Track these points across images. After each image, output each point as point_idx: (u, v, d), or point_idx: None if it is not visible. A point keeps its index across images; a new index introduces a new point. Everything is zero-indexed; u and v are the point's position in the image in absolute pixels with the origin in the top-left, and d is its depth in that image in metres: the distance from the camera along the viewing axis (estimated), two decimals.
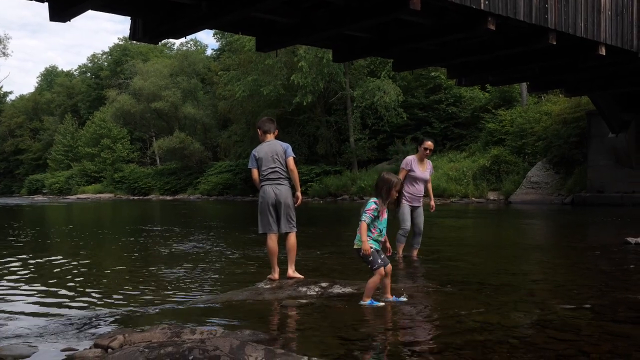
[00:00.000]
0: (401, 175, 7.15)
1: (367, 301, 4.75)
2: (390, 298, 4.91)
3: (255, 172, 6.14)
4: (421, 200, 7.80)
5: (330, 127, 39.74)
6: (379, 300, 4.83)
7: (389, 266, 4.86)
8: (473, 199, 27.75)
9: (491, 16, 11.70)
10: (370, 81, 36.20)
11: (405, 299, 4.91)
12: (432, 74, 35.79)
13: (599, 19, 14.03)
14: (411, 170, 7.58)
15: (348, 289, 5.45)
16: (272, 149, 6.11)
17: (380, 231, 4.83)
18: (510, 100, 34.09)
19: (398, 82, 36.85)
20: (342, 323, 4.22)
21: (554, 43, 13.16)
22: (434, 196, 8.24)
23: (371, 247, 4.75)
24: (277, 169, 6.04)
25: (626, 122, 22.24)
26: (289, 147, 6.16)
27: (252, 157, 6.16)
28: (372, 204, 4.77)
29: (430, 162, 7.90)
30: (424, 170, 7.71)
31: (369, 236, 4.76)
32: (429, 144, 7.68)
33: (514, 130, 29.97)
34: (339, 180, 35.65)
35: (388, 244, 5.01)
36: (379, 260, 4.77)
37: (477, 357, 3.37)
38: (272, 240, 6.07)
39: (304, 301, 4.99)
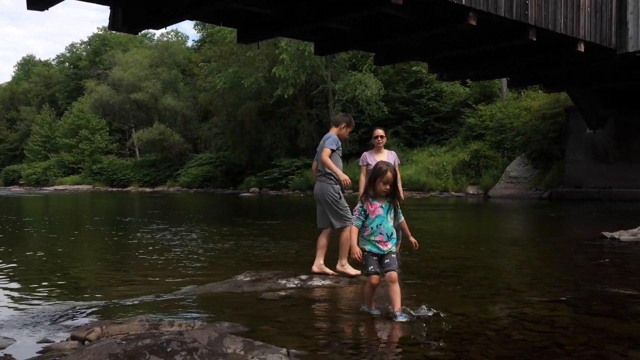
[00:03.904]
0: (362, 175, 6.94)
1: (364, 307, 4.36)
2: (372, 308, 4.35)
3: (315, 164, 6.31)
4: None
5: (311, 120, 39.70)
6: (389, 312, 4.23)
7: (392, 274, 4.17)
8: (452, 192, 27.95)
9: (472, 11, 11.77)
10: (351, 75, 36.21)
11: (377, 312, 4.29)
12: (414, 68, 35.88)
13: (578, 16, 14.18)
14: (368, 164, 7.26)
15: (327, 282, 5.47)
16: (321, 144, 6.15)
17: (373, 229, 4.25)
18: (490, 95, 34.34)
19: (379, 76, 36.90)
20: (321, 315, 4.23)
21: (534, 39, 13.28)
22: (409, 190, 7.97)
23: (365, 249, 4.26)
24: (319, 166, 6.13)
25: (604, 118, 22.55)
26: (328, 139, 6.05)
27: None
28: (358, 203, 4.38)
29: (393, 152, 7.52)
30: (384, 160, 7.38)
31: (361, 237, 4.31)
32: (378, 131, 7.18)
33: (494, 125, 30.21)
34: None
35: (412, 238, 4.62)
36: (370, 267, 4.22)
37: (455, 348, 3.41)
38: (321, 234, 6.16)
39: (283, 293, 5.00)
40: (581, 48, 14.57)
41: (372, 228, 4.25)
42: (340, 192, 6.10)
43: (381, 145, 7.14)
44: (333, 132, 6.22)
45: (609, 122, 22.52)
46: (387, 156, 7.33)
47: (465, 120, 32.54)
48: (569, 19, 13.93)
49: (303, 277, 5.55)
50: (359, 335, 3.74)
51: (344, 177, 5.98)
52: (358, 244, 4.30)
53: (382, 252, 4.23)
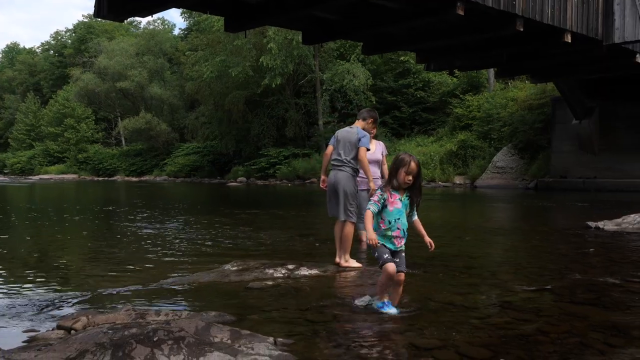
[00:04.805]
0: None
1: (378, 303, 4.02)
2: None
3: (330, 148, 6.15)
4: (378, 183, 7.51)
5: (299, 109, 39.62)
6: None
7: (401, 275, 3.96)
8: (440, 182, 28.08)
9: (460, 1, 11.77)
10: (339, 64, 36.16)
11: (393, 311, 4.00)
12: (401, 58, 35.91)
13: (565, 6, 14.24)
14: None
15: (314, 271, 5.48)
16: (348, 136, 6.06)
17: (389, 223, 3.96)
18: (477, 85, 34.47)
19: (367, 65, 36.88)
20: (308, 305, 4.24)
21: (521, 30, 13.32)
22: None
23: (378, 243, 3.94)
24: (342, 156, 6.00)
25: (590, 108, 22.73)
26: (364, 137, 5.99)
27: (334, 136, 6.19)
28: (378, 190, 4.07)
29: (381, 143, 7.49)
30: (373, 151, 7.09)
31: (375, 230, 3.96)
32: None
33: (481, 115, 30.35)
34: (308, 163, 35.66)
35: (427, 238, 4.10)
36: (385, 255, 3.91)
37: (440, 336, 3.43)
38: (336, 225, 6.05)
39: (270, 283, 5.00)
40: (568, 39, 14.63)
41: (389, 222, 3.95)
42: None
43: (374, 133, 7.10)
44: (359, 125, 6.20)
45: (594, 112, 22.70)
46: (376, 146, 7.32)
47: (453, 111, 32.66)
48: (556, 9, 13.98)
49: (290, 266, 5.56)
50: (346, 324, 3.76)
51: (374, 187, 6.13)
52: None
53: (395, 249, 3.97)
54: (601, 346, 3.29)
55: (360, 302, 4.18)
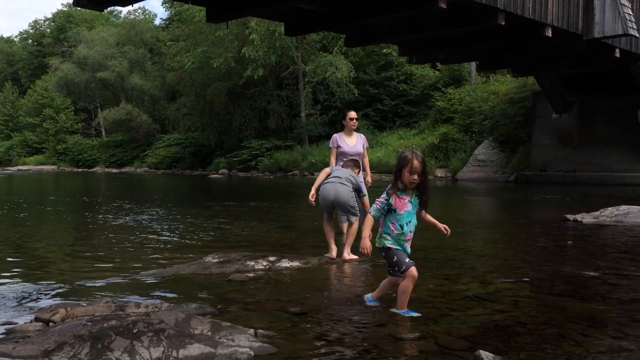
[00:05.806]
0: (332, 157, 6.97)
1: (401, 311, 3.78)
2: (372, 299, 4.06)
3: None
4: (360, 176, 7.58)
5: (281, 101, 39.50)
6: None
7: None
8: None
9: None
10: (322, 56, 36.10)
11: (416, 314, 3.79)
12: (384, 50, 35.93)
13: (546, 0, 14.34)
14: (339, 146, 7.25)
15: (296, 263, 5.48)
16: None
17: (402, 228, 3.80)
18: (459, 79, 34.62)
19: (350, 58, 36.88)
20: (289, 297, 4.25)
21: (503, 23, 13.40)
22: (379, 172, 7.90)
23: (392, 247, 3.81)
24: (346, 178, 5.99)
25: (570, 102, 22.96)
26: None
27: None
28: (383, 193, 3.84)
29: (362, 136, 7.52)
30: (354, 144, 7.19)
31: (387, 234, 3.82)
32: (352, 113, 7.18)
33: (463, 108, 30.49)
34: (290, 155, 35.61)
35: (440, 225, 4.05)
36: (406, 260, 3.76)
37: (420, 328, 3.46)
38: (327, 224, 6.05)
39: (251, 275, 4.99)
40: (549, 33, 14.75)
41: (401, 227, 3.79)
42: None
43: (354, 127, 7.15)
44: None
45: (574, 107, 22.93)
46: (357, 139, 7.34)
47: (435, 104, 32.78)
48: (537, 3, 14.08)
49: (271, 258, 5.56)
50: (327, 316, 3.77)
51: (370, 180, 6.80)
52: (383, 244, 3.84)
53: (408, 252, 3.85)
54: (578, 337, 3.34)
55: (370, 302, 4.05)
